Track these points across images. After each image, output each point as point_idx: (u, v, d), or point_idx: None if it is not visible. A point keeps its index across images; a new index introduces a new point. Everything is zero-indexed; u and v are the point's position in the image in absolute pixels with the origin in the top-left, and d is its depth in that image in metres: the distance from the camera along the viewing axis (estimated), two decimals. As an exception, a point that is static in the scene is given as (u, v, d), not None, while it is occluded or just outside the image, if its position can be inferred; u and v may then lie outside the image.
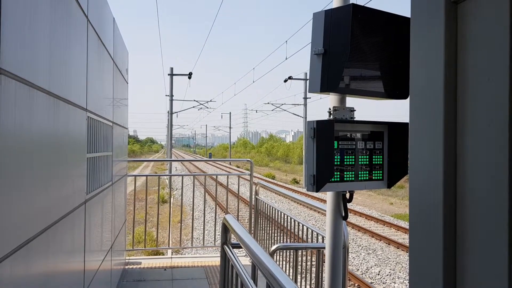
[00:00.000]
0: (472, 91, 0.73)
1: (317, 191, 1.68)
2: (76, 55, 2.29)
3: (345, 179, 1.82)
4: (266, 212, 4.82)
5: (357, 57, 1.69)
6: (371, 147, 1.90)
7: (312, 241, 3.50)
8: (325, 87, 1.71)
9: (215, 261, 5.37)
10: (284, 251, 4.15)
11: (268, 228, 4.78)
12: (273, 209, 4.57)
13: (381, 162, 1.92)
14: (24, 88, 1.47)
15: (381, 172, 1.92)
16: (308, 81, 1.82)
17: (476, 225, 0.71)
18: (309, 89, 1.79)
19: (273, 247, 3.14)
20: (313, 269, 4.16)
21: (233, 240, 2.37)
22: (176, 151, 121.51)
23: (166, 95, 27.09)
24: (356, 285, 7.62)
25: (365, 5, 1.74)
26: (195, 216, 14.06)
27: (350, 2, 1.81)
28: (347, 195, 1.89)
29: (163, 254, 8.34)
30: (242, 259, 2.23)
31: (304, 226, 3.65)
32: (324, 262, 2.02)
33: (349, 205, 1.94)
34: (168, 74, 25.12)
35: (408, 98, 0.84)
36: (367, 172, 1.88)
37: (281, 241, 4.40)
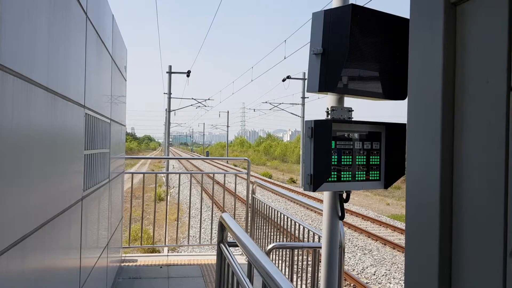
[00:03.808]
0: (470, 93, 0.73)
1: (314, 190, 1.68)
2: (74, 52, 2.28)
3: (342, 179, 1.82)
4: (262, 211, 4.82)
5: (355, 57, 1.69)
6: (369, 148, 1.90)
7: (308, 241, 3.51)
8: (324, 87, 1.71)
9: (211, 259, 5.37)
10: (281, 250, 4.15)
11: (264, 227, 4.79)
12: (270, 208, 4.57)
13: (378, 163, 1.92)
14: (22, 83, 1.47)
15: (378, 172, 1.92)
16: (306, 81, 1.82)
17: (472, 226, 0.72)
18: (307, 89, 1.79)
19: (270, 246, 3.14)
20: (309, 268, 4.17)
21: (230, 238, 2.37)
22: (173, 149, 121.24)
23: (164, 93, 27.06)
24: (351, 285, 7.64)
25: (364, 6, 1.74)
26: (191, 214, 14.06)
27: (350, 2, 1.81)
28: (344, 195, 1.90)
29: (159, 252, 8.34)
30: (238, 258, 2.24)
31: (301, 226, 3.66)
32: (320, 261, 2.03)
33: (345, 205, 1.94)
34: (167, 72, 25.08)
35: (406, 99, 0.85)
36: (364, 172, 1.89)
37: (278, 240, 4.41)
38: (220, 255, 2.39)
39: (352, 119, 1.89)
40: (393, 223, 13.68)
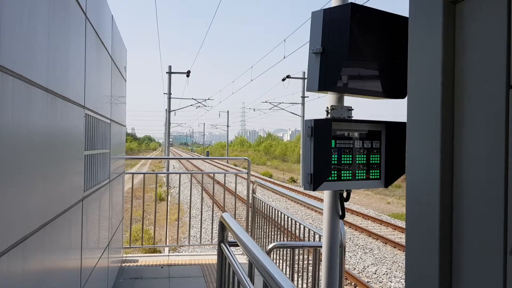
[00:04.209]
0: (469, 91, 0.73)
1: (314, 190, 1.68)
2: (74, 52, 2.28)
3: (342, 178, 1.82)
4: (263, 211, 4.82)
5: (355, 56, 1.69)
6: (369, 146, 1.90)
7: (309, 240, 3.51)
8: (323, 86, 1.71)
9: (212, 259, 5.38)
10: (281, 249, 4.15)
11: (265, 227, 4.79)
12: (270, 207, 4.57)
13: (378, 161, 1.92)
14: (21, 84, 1.47)
15: (378, 171, 1.92)
16: (306, 80, 1.82)
17: (472, 224, 0.72)
18: (307, 88, 1.79)
19: (270, 246, 3.14)
20: (310, 267, 4.17)
21: (230, 238, 2.37)
22: (173, 149, 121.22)
23: (164, 93, 27.07)
24: (352, 284, 7.64)
25: (363, 4, 1.74)
26: (192, 214, 14.06)
27: (349, 1, 1.81)
28: (344, 194, 1.90)
29: (160, 252, 8.34)
30: (239, 257, 2.24)
31: (301, 225, 3.66)
32: (321, 261, 2.03)
33: (346, 204, 1.94)
34: (167, 72, 25.08)
35: (406, 97, 0.85)
36: (365, 171, 1.88)
37: (278, 239, 4.41)
38: (221, 255, 2.39)
39: (352, 118, 1.89)
40: (393, 222, 13.68)
